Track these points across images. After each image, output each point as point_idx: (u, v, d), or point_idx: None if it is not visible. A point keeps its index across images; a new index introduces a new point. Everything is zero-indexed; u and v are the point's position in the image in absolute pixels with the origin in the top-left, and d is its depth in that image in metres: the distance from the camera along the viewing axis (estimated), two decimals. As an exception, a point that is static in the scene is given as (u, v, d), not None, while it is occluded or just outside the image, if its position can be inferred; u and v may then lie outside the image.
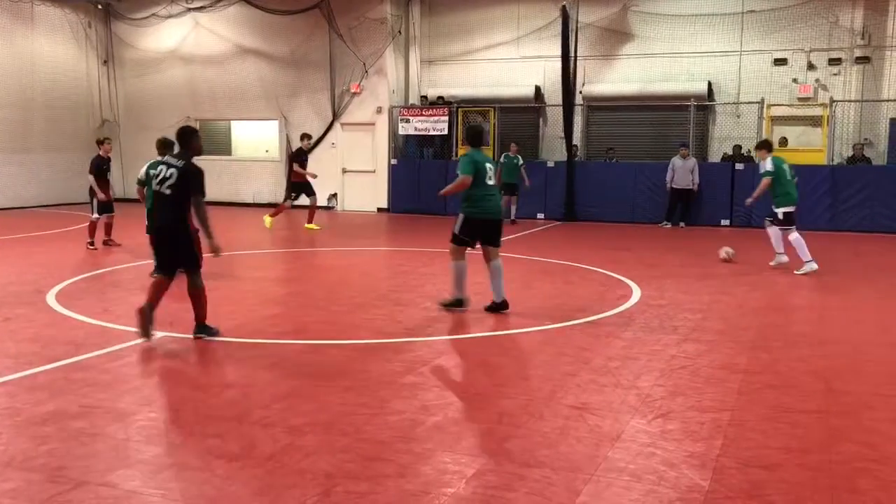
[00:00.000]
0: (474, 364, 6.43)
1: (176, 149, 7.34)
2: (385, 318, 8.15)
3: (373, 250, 14.07)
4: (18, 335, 7.16)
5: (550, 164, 19.02)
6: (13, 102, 20.36)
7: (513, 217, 17.51)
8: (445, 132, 19.69)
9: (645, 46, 19.01)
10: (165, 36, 22.48)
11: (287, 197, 16.86)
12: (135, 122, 23.01)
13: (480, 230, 8.20)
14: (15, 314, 7.99)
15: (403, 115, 20.16)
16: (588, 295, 9.58)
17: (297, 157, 16.66)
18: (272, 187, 21.80)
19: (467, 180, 8.04)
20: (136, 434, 4.78)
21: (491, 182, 8.21)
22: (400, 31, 20.49)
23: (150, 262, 11.51)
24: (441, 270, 11.24)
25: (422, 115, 19.97)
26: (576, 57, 18.33)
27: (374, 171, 20.59)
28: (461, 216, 8.22)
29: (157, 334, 7.09)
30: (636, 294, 9.49)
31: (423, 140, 20.33)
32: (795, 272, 11.03)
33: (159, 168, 7.02)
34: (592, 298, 9.33)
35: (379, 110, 20.46)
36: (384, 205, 20.54)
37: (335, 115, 20.86)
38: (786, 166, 11.40)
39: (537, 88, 19.88)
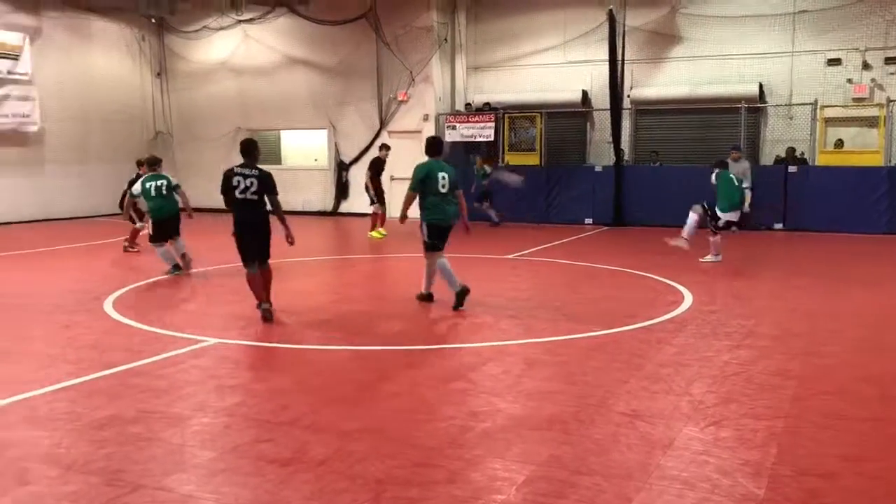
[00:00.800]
0: (523, 370, 6.41)
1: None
2: (431, 323, 8.19)
3: (414, 257, 14.10)
4: (78, 341, 7.35)
5: (598, 168, 18.88)
6: (72, 116, 20.93)
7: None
8: (492, 138, 19.69)
9: (693, 49, 18.76)
10: (216, 48, 22.92)
11: (376, 202, 16.76)
12: (187, 133, 23.50)
13: (443, 233, 8.99)
14: (74, 321, 8.21)
15: (450, 122, 20.21)
16: (638, 300, 9.48)
17: (376, 167, 16.72)
18: (321, 196, 22.04)
19: (410, 196, 8.99)
20: (191, 439, 4.87)
21: (444, 190, 8.85)
22: (446, 39, 20.57)
23: (208, 269, 11.77)
24: (485, 276, 11.25)
25: (468, 121, 20.00)
26: (623, 61, 18.19)
27: (421, 179, 20.65)
28: (424, 224, 8.95)
29: (211, 340, 7.23)
30: (687, 299, 9.36)
31: (470, 147, 20.35)
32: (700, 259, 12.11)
33: (235, 179, 8.12)
34: (642, 303, 9.22)
35: (425, 118, 20.55)
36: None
37: (382, 124, 21.01)
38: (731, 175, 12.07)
39: (584, 93, 19.76)
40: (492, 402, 5.57)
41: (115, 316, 8.45)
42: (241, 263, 8.43)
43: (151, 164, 11.77)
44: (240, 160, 8.33)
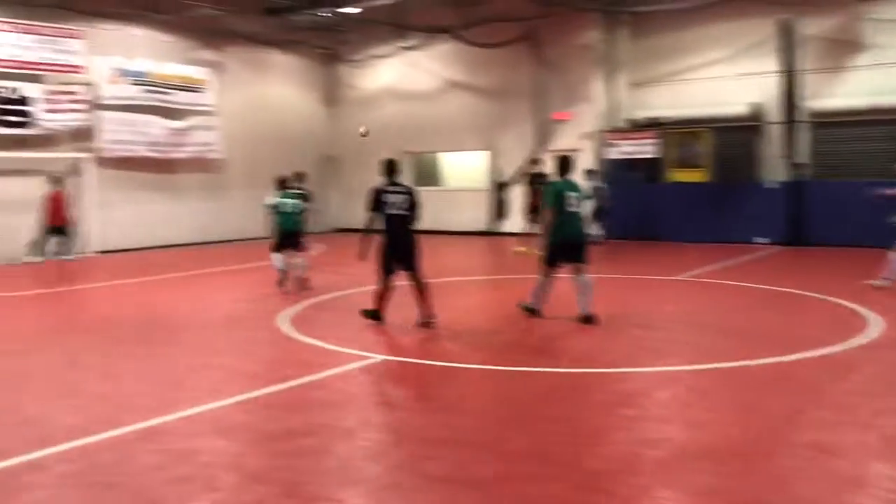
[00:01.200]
0: (695, 397, 6.14)
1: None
2: (596, 346, 8.02)
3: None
4: (256, 356, 7.79)
5: (771, 184, 17.93)
6: (249, 143, 22.31)
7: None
8: (655, 155, 19.18)
9: (879, 56, 17.46)
10: (381, 75, 23.81)
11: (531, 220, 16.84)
12: (354, 157, 24.48)
13: (567, 251, 9.08)
14: (252, 337, 8.70)
15: (610, 139, 19.90)
16: (819, 325, 8.88)
17: (536, 180, 16.72)
18: (478, 215, 22.27)
19: (547, 213, 9.11)
20: (361, 453, 5.01)
21: (573, 209, 8.99)
22: (608, 56, 20.31)
23: (368, 289, 12.17)
24: (653, 298, 10.91)
25: (629, 138, 19.61)
26: (798, 71, 17.20)
27: (581, 198, 20.43)
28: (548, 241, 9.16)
29: (377, 357, 7.44)
30: (876, 326, 8.64)
31: (632, 164, 19.93)
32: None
33: (386, 196, 8.76)
34: (825, 329, 8.62)
35: (585, 136, 20.34)
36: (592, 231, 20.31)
37: (540, 143, 20.99)
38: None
39: (755, 106, 18.86)
40: (662, 429, 5.36)
41: (289, 332, 8.88)
42: (378, 276, 8.97)
43: (295, 181, 13.20)
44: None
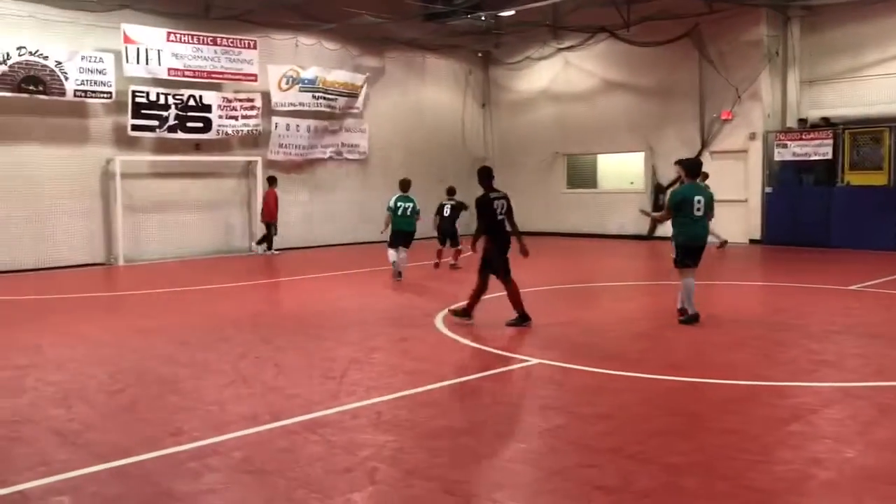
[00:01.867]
0: (874, 416, 5.71)
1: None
2: (763, 358, 7.62)
3: (747, 284, 13.30)
4: (414, 354, 7.96)
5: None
6: (407, 146, 22.90)
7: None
8: (830, 156, 18.02)
9: None
10: (537, 77, 23.73)
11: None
12: (507, 158, 24.55)
13: (695, 253, 9.35)
14: (410, 335, 8.91)
15: (780, 139, 18.87)
16: None
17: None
18: (636, 219, 21.72)
19: (665, 215, 9.59)
20: (519, 456, 5.01)
21: (699, 213, 9.17)
22: (777, 52, 19.28)
23: (527, 290, 12.17)
24: (821, 308, 10.26)
25: (801, 139, 18.52)
26: None
27: (745, 201, 19.53)
28: (674, 244, 9.46)
29: (533, 360, 7.42)
30: None
31: (803, 166, 18.81)
32: None
33: (496, 203, 9.12)
34: None
35: (752, 136, 19.40)
36: (757, 236, 19.35)
37: (704, 144, 20.21)
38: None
39: (944, 103, 17.33)
40: (837, 449, 5.02)
41: (445, 331, 9.02)
42: (483, 277, 9.34)
43: (404, 187, 14.18)
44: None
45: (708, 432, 5.38)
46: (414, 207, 13.93)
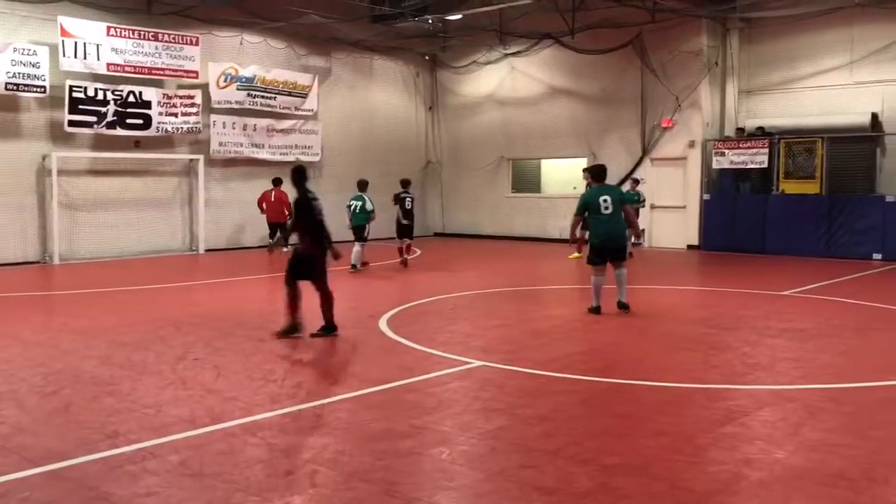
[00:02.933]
0: (803, 418, 5.90)
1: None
2: (699, 361, 7.81)
3: (685, 289, 13.60)
4: (357, 357, 7.96)
5: (890, 198, 17.05)
6: (354, 147, 22.82)
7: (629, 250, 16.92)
8: (765, 165, 18.55)
9: None
10: (483, 81, 23.89)
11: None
12: (455, 161, 24.67)
13: (605, 252, 10.19)
14: (354, 337, 8.88)
15: (718, 148, 19.36)
16: (940, 348, 8.38)
17: None
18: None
19: (576, 219, 10.63)
20: (459, 457, 5.04)
21: (608, 211, 10.00)
22: (717, 63, 19.77)
23: (471, 293, 12.24)
24: (758, 314, 10.55)
25: (738, 147, 19.03)
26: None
27: (684, 207, 19.98)
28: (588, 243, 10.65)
29: (476, 363, 7.47)
30: None
31: (740, 174, 19.34)
32: None
33: (315, 204, 8.82)
34: (946, 353, 8.14)
35: (691, 144, 19.86)
36: (695, 242, 19.81)
37: (645, 151, 20.61)
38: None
39: (874, 116, 17.98)
40: (768, 450, 5.18)
41: (389, 334, 9.02)
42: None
43: (361, 187, 15.66)
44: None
45: (644, 434, 5.49)
46: (363, 205, 15.36)
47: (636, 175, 19.70)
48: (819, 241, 17.69)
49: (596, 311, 10.24)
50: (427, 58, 24.62)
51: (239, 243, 20.18)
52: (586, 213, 10.33)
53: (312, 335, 8.70)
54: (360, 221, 15.42)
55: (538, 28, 21.12)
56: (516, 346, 8.43)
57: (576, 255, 17.11)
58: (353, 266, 14.97)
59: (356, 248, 15.20)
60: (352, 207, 15.54)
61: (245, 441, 5.28)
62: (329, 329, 8.81)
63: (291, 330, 8.70)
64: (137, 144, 18.14)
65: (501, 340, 8.72)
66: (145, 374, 7.11)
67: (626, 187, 16.97)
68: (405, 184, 16.41)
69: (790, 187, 18.44)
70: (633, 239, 10.67)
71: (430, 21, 21.49)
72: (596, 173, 10.69)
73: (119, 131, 17.52)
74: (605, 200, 10.05)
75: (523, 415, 5.93)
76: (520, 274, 15.48)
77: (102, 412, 5.94)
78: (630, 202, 11.40)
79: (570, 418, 5.87)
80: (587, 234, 17.35)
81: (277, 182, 18.65)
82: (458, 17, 20.82)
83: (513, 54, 22.78)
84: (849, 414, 6.02)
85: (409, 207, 15.94)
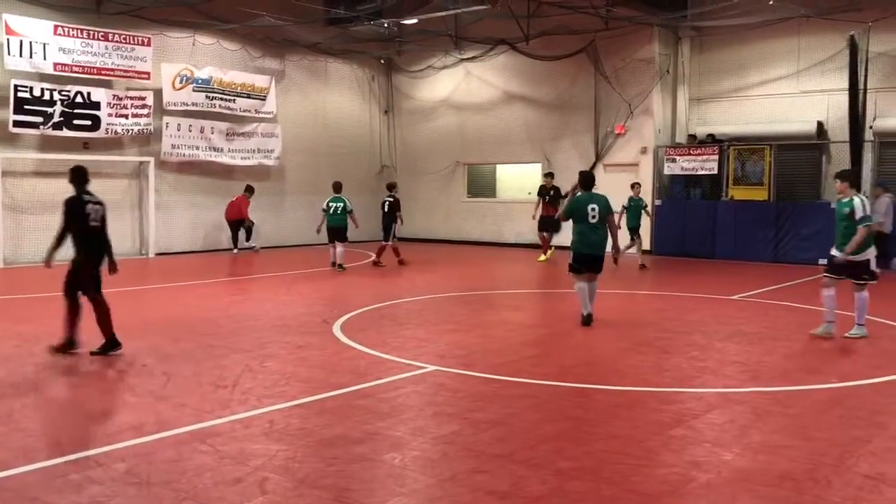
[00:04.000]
0: (750, 420, 6.01)
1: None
2: (651, 365, 7.91)
3: (636, 293, 13.77)
4: (309, 362, 7.87)
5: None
6: (308, 150, 22.65)
7: (641, 262, 16.96)
8: (715, 171, 18.90)
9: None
10: (439, 86, 23.93)
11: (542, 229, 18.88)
12: (409, 166, 24.65)
13: (587, 260, 9.89)
14: (306, 342, 8.81)
15: (669, 154, 19.67)
16: (883, 351, 8.61)
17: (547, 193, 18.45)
18: (533, 227, 22.20)
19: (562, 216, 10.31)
20: (411, 463, 5.03)
21: (594, 220, 9.79)
22: (668, 70, 20.10)
23: (426, 298, 12.24)
24: (708, 318, 10.73)
25: (689, 154, 19.36)
26: (865, 89, 16.82)
27: (636, 213, 20.24)
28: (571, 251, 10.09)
29: (430, 367, 7.46)
30: (942, 353, 8.37)
31: (691, 180, 19.67)
32: None
33: (89, 207, 8.16)
34: (888, 355, 8.37)
35: (644, 150, 20.14)
36: (647, 247, 20.06)
37: (598, 157, 20.85)
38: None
39: (819, 124, 18.46)
40: (716, 452, 5.27)
41: (343, 339, 8.96)
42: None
43: (336, 189, 16.35)
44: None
45: (596, 437, 5.54)
46: (345, 206, 15.97)
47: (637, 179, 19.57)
48: (767, 247, 18.08)
49: (587, 319, 9.83)
50: (382, 61, 24.57)
51: (192, 247, 19.88)
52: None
53: (92, 353, 7.88)
54: (340, 222, 15.92)
55: (493, 34, 21.21)
56: (470, 350, 8.44)
57: (542, 257, 17.93)
58: (339, 265, 15.70)
59: (339, 248, 15.79)
60: (332, 209, 15.98)
61: (194, 448, 5.19)
62: (110, 346, 7.96)
63: (69, 345, 7.93)
64: (86, 146, 17.76)
65: (455, 345, 8.72)
66: (92, 381, 6.95)
67: (629, 194, 17.01)
68: (390, 187, 17.70)
69: (739, 193, 18.81)
70: (612, 250, 10.28)
71: (385, 25, 21.45)
72: (585, 181, 10.23)
73: (66, 132, 17.14)
74: (592, 209, 9.82)
75: (476, 419, 5.94)
76: (475, 278, 15.52)
77: (46, 420, 5.80)
78: (608, 211, 10.15)
79: (523, 423, 5.89)
80: (553, 236, 17.93)
81: (247, 189, 19.78)
82: (414, 21, 20.81)
83: (468, 59, 22.86)
84: (793, 416, 6.15)
85: (385, 210, 16.94)
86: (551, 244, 18.48)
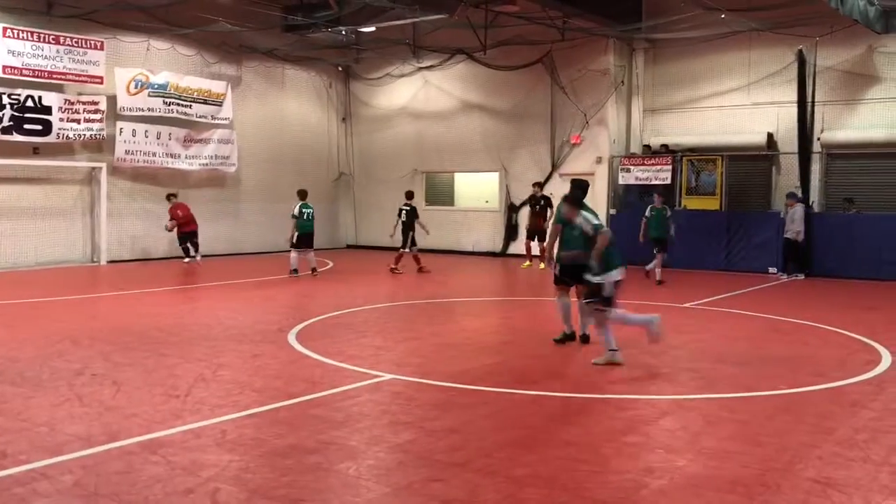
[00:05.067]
0: (702, 426, 6.10)
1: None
2: (605, 372, 7.98)
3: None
4: (264, 371, 7.79)
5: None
6: (265, 157, 22.47)
7: (658, 278, 15.78)
8: (669, 181, 19.18)
9: (893, 90, 17.49)
10: (397, 94, 23.93)
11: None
12: (367, 174, 24.59)
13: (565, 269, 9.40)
14: (261, 351, 8.71)
15: (624, 164, 19.92)
16: (828, 358, 8.81)
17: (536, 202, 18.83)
18: (491, 236, 22.31)
19: (555, 228, 9.85)
20: (366, 472, 5.00)
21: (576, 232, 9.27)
22: (623, 81, 20.37)
23: (384, 306, 12.19)
24: (665, 326, 10.84)
25: (643, 164, 19.62)
26: (813, 102, 17.27)
27: (592, 222, 20.45)
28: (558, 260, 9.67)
29: (386, 376, 7.44)
30: (886, 359, 8.60)
31: (645, 190, 19.93)
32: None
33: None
34: (833, 362, 8.57)
35: (599, 160, 20.36)
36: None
37: (554, 166, 21.03)
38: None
39: (770, 136, 18.87)
40: (668, 458, 5.33)
41: (298, 347, 8.89)
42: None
43: (303, 196, 16.47)
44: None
45: (551, 444, 5.57)
46: (313, 212, 16.43)
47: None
48: (719, 256, 18.39)
49: (566, 339, 9.33)
50: (340, 69, 24.50)
51: (145, 254, 19.56)
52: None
53: None
54: (311, 228, 16.29)
55: (451, 43, 21.29)
56: (427, 359, 8.44)
57: (527, 263, 18.33)
58: (313, 269, 16.23)
59: (311, 254, 16.26)
60: (304, 214, 16.18)
61: (144, 459, 5.10)
62: None
63: None
64: (36, 151, 17.40)
65: (412, 353, 8.71)
66: (39, 391, 6.79)
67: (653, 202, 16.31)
68: (409, 195, 18.05)
69: (692, 203, 19.11)
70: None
71: (343, 32, 21.41)
72: (576, 199, 9.63)
73: (16, 137, 16.77)
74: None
75: (432, 428, 5.93)
76: (432, 286, 15.51)
77: (-10, 432, 5.64)
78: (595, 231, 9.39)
79: (478, 430, 5.90)
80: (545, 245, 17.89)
81: (173, 195, 18.64)
82: (372, 29, 20.80)
83: (426, 68, 22.91)
84: (743, 422, 6.26)
85: (402, 218, 17.34)
86: (534, 254, 18.54)
